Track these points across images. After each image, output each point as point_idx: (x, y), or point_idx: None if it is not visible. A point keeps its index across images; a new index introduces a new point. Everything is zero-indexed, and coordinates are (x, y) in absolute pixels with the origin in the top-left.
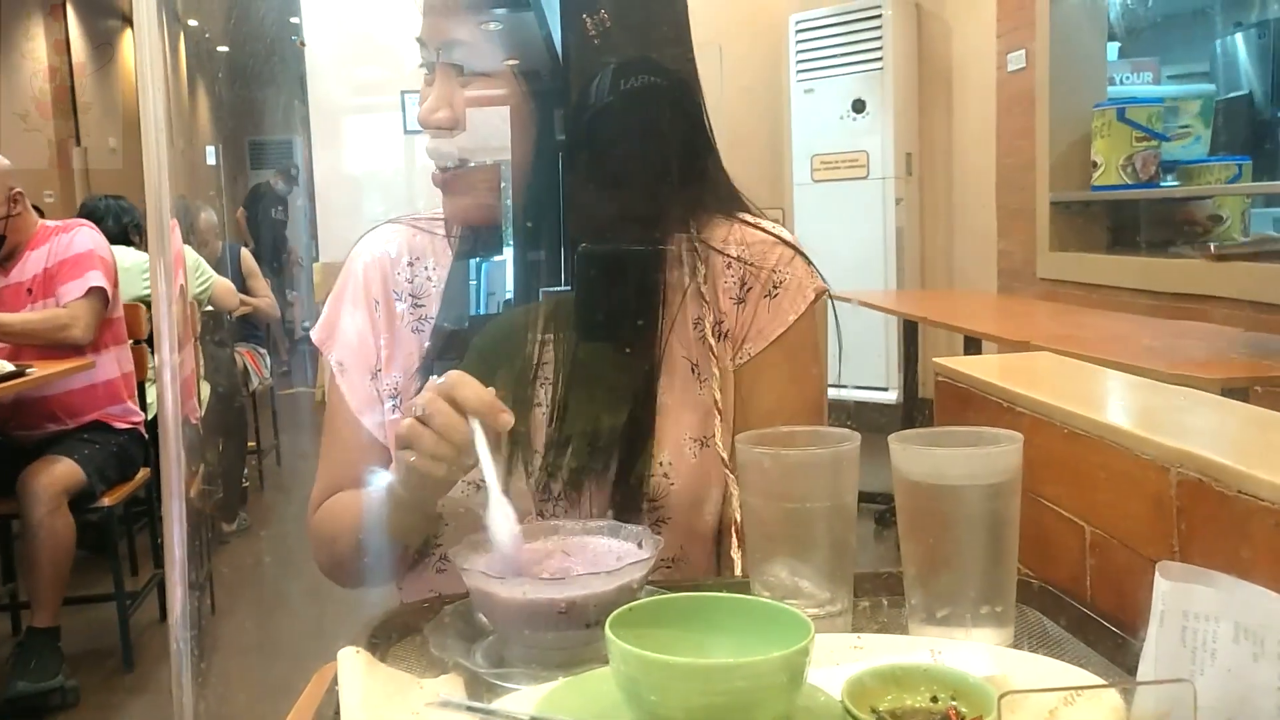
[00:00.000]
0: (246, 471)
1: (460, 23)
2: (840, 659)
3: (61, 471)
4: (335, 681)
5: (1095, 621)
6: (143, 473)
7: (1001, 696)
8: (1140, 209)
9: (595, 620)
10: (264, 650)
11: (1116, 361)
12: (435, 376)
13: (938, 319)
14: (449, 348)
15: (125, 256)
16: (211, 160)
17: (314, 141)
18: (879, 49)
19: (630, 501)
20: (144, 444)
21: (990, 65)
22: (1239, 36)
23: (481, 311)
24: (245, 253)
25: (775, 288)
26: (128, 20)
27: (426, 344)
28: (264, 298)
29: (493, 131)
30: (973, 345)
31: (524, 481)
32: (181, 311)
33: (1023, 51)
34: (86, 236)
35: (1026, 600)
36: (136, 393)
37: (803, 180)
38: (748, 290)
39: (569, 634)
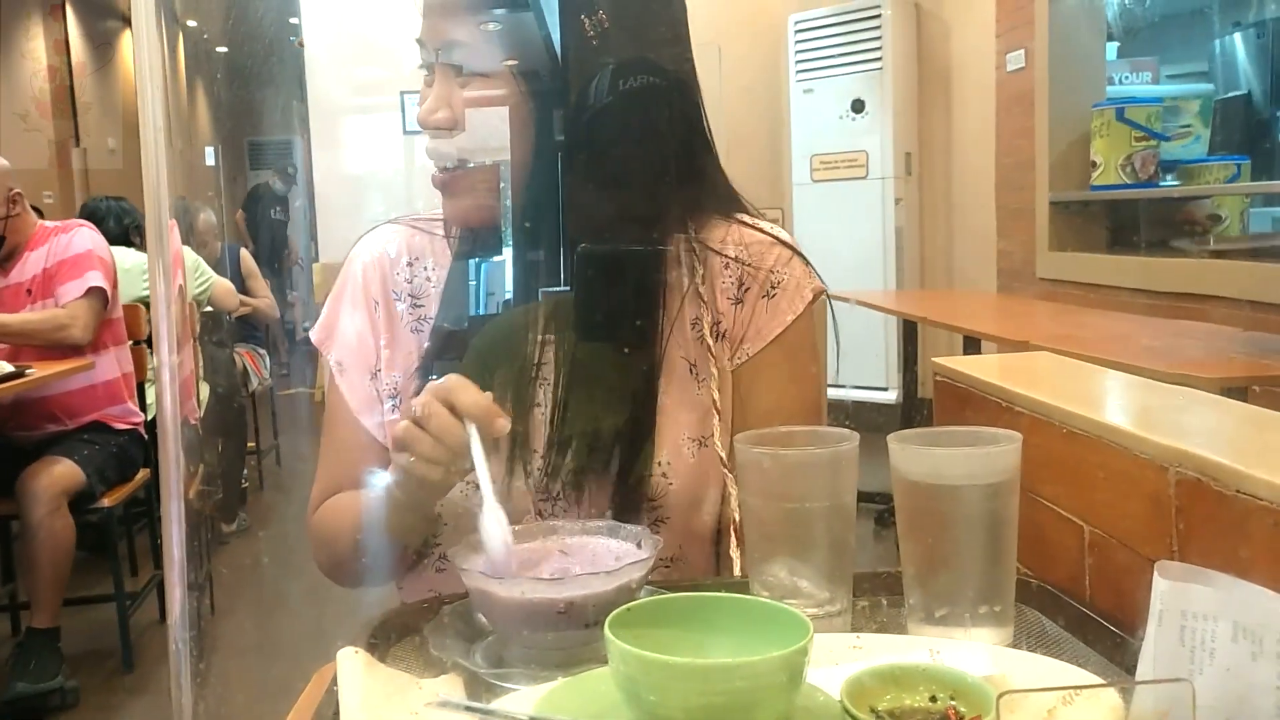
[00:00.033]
0: (246, 472)
1: (459, 23)
2: (839, 659)
3: (61, 472)
4: (334, 682)
5: (1094, 621)
6: (142, 473)
7: (1000, 696)
8: (1139, 209)
9: (594, 620)
10: (263, 651)
11: (1115, 361)
12: (434, 376)
13: (937, 319)
14: (448, 348)
15: (126, 257)
16: (211, 161)
17: (313, 142)
18: (878, 49)
19: (629, 502)
20: (144, 445)
21: (989, 65)
22: (1237, 36)
23: (480, 312)
24: (245, 253)
25: (773, 288)
26: (127, 20)
27: (426, 344)
28: (263, 298)
29: (492, 132)
30: (972, 345)
31: (523, 481)
32: (180, 312)
33: (1022, 51)
34: (85, 237)
35: (1025, 600)
36: (136, 393)
37: (802, 180)
38: (745, 290)
39: (568, 634)
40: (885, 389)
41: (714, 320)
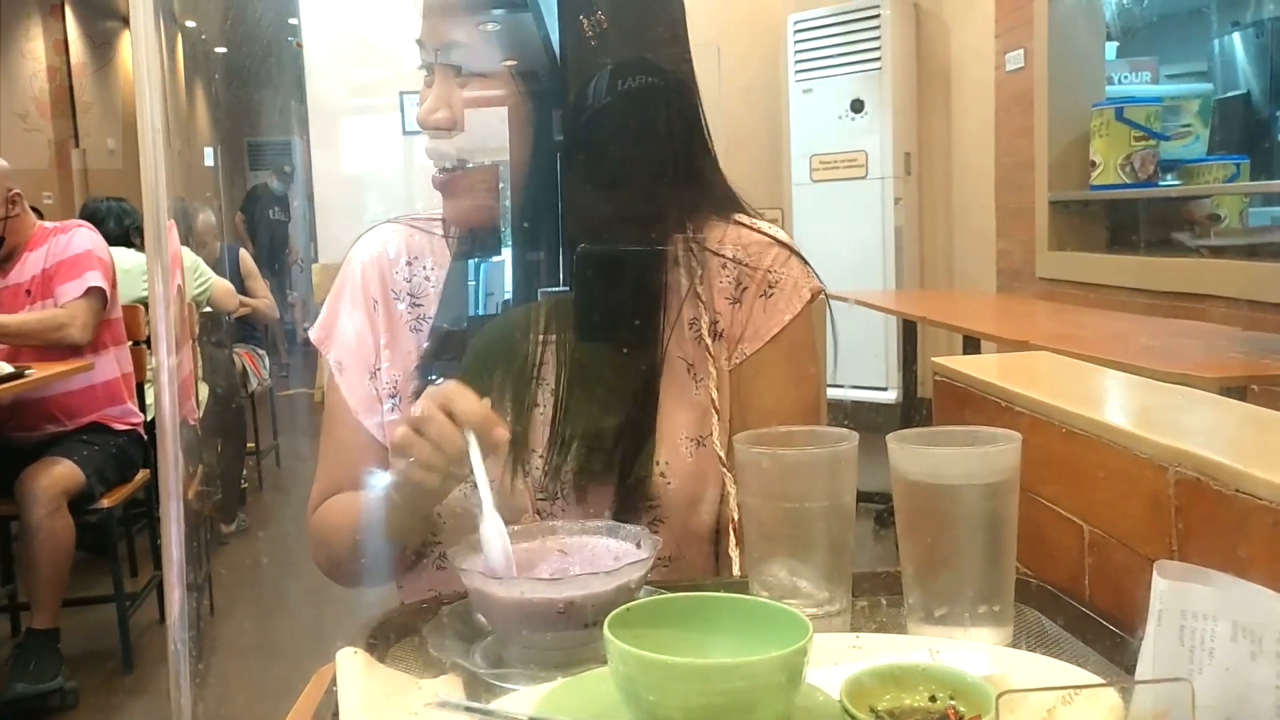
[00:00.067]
0: (245, 473)
1: (458, 24)
2: (839, 658)
3: (61, 473)
4: (334, 682)
5: (1093, 620)
6: (142, 474)
7: (1000, 696)
8: (1139, 208)
9: (593, 620)
10: (263, 651)
11: (1115, 361)
12: (434, 376)
13: (936, 319)
14: (447, 347)
15: (126, 258)
16: (210, 161)
17: (312, 142)
18: (877, 49)
19: (629, 502)
20: (143, 445)
21: (989, 65)
22: (1236, 36)
23: (479, 311)
24: (244, 254)
25: (771, 287)
26: (126, 21)
27: (425, 344)
28: (262, 299)
29: (491, 132)
30: (971, 345)
31: (522, 481)
32: (179, 312)
33: (1021, 51)
34: (84, 237)
35: (1025, 599)
36: (136, 394)
37: (801, 180)
38: (743, 290)
39: (567, 634)
40: (885, 389)
41: (711, 320)
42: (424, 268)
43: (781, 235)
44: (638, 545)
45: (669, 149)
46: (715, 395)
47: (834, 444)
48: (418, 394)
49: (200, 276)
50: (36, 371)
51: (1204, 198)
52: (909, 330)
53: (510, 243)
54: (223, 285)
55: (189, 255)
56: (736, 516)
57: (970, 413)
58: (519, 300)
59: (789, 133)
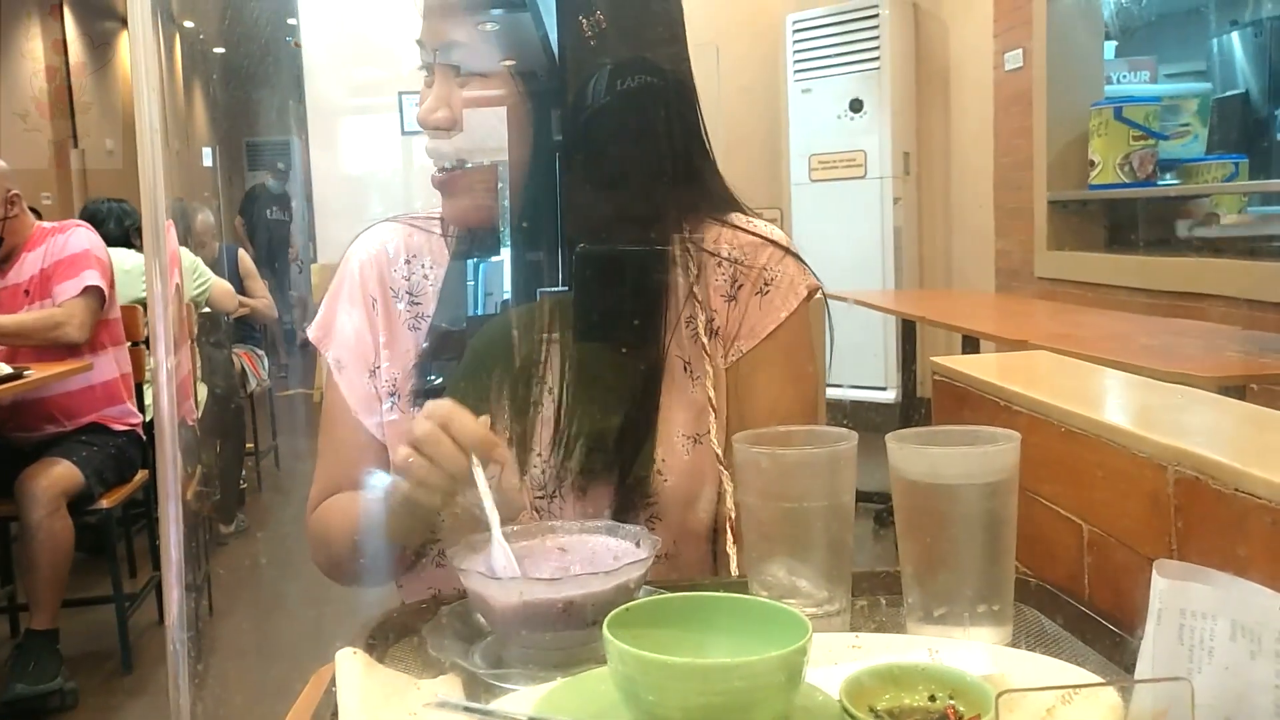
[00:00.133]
0: (244, 473)
1: (458, 24)
2: (838, 658)
3: (60, 474)
4: (333, 683)
5: (1093, 620)
6: (141, 474)
7: (999, 695)
8: (1138, 208)
9: (593, 620)
10: (262, 652)
11: (1114, 360)
12: (432, 375)
13: (936, 318)
14: (446, 346)
15: (126, 259)
16: (208, 161)
17: (311, 142)
18: (876, 49)
19: (627, 500)
20: (142, 446)
21: (987, 64)
22: (1235, 35)
23: (478, 311)
24: (242, 254)
25: (767, 285)
26: (125, 21)
27: (424, 342)
28: (261, 299)
29: (490, 132)
30: (970, 344)
31: (517, 479)
32: (177, 313)
33: (1020, 51)
34: (82, 237)
35: (1024, 599)
36: (135, 394)
37: (800, 180)
38: (739, 288)
39: (567, 634)
40: (884, 388)
41: (708, 318)
42: (422, 266)
43: (778, 234)
44: (637, 544)
45: (667, 149)
46: (712, 393)
47: (833, 444)
48: (416, 393)
49: (199, 277)
50: (35, 372)
51: (1203, 197)
52: (908, 330)
53: (509, 242)
54: (222, 286)
55: (188, 256)
56: (733, 514)
57: (969, 412)
58: (517, 299)
59: (788, 132)
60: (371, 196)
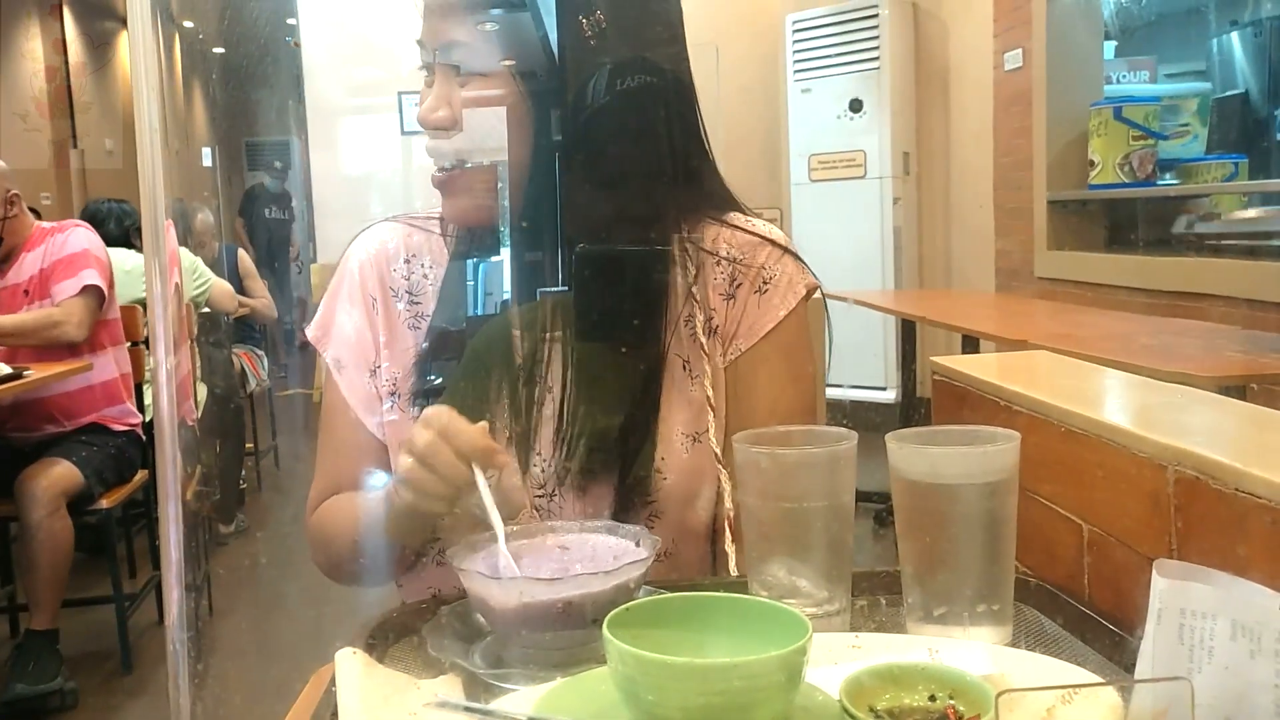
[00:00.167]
0: (244, 473)
1: (458, 24)
2: (838, 658)
3: (60, 474)
4: (333, 683)
5: (1093, 620)
6: (141, 475)
7: (999, 695)
8: (1137, 207)
9: (593, 620)
10: (262, 652)
11: (1114, 360)
12: (432, 375)
13: (935, 318)
14: (445, 346)
15: (126, 259)
16: (208, 161)
17: (310, 143)
18: (876, 48)
19: (628, 500)
20: (142, 446)
21: (987, 64)
22: (1235, 35)
23: (478, 310)
24: (242, 254)
25: (765, 284)
26: (125, 21)
27: (423, 342)
28: (261, 299)
29: (490, 131)
30: (970, 344)
31: (518, 478)
32: (177, 313)
33: (1019, 51)
34: (81, 236)
35: (1024, 598)
36: (134, 395)
37: (800, 180)
38: (737, 286)
39: (567, 634)
40: (884, 388)
41: (706, 317)
42: (422, 265)
43: (777, 234)
44: (637, 544)
45: (667, 149)
46: (710, 392)
47: (833, 443)
48: (416, 392)
49: (199, 277)
50: (35, 372)
51: (1202, 197)
52: (908, 330)
53: (508, 242)
54: (222, 286)
55: (188, 256)
56: (731, 513)
57: (969, 412)
58: (517, 299)
59: (787, 132)
60: (371, 196)
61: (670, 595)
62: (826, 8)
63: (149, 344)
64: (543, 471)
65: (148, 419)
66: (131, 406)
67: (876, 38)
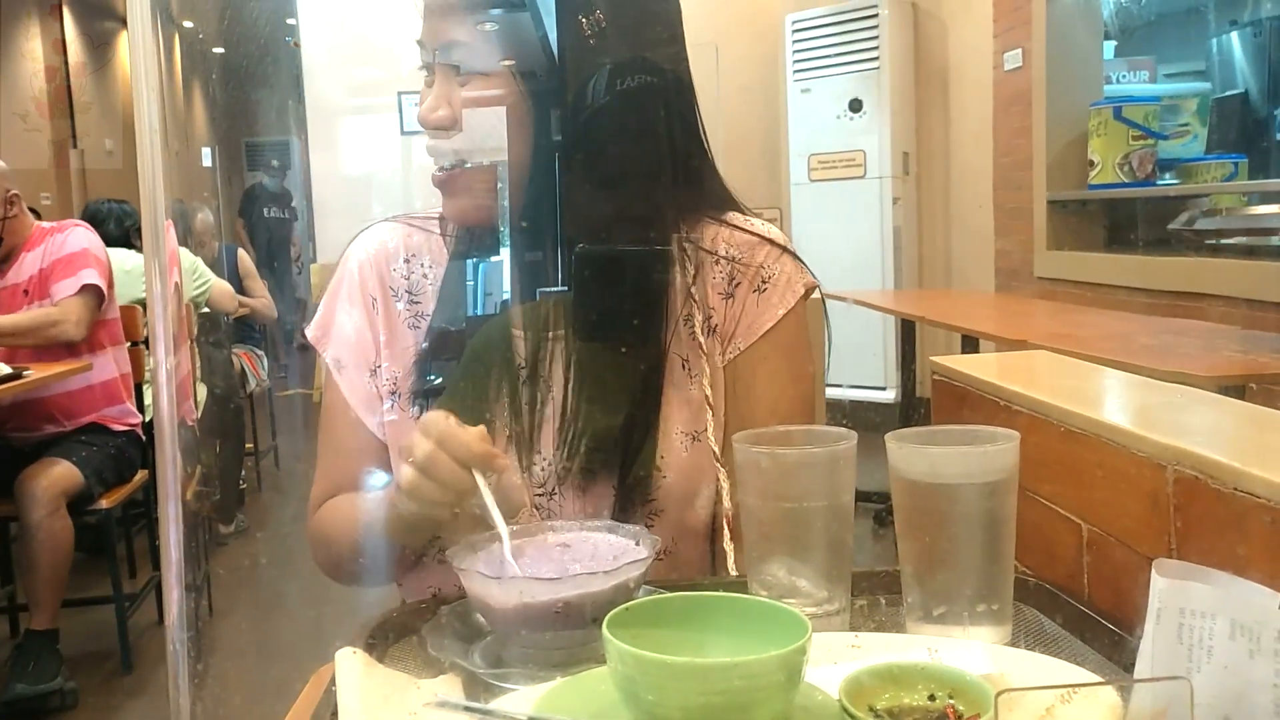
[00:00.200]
0: (244, 473)
1: (458, 24)
2: (838, 658)
3: (59, 474)
4: (333, 682)
5: (1092, 619)
6: (140, 475)
7: (999, 694)
8: (1137, 207)
9: (592, 620)
10: (262, 652)
11: (1113, 360)
12: (432, 375)
13: (935, 318)
14: (445, 346)
15: (126, 259)
16: (207, 162)
17: (310, 143)
18: (875, 48)
19: (629, 498)
20: (142, 446)
21: (987, 64)
22: (1234, 35)
23: (477, 310)
24: (242, 254)
25: (764, 283)
26: (124, 21)
27: (423, 341)
28: (261, 299)
29: (490, 131)
30: (970, 344)
31: (518, 477)
32: (177, 313)
33: (1019, 51)
34: (81, 236)
35: (1023, 598)
36: (134, 395)
37: (800, 180)
38: (736, 285)
39: (566, 634)
40: (883, 388)
41: (705, 316)
42: (421, 265)
43: (776, 233)
44: (637, 543)
45: (666, 149)
46: (709, 391)
47: (833, 443)
48: (416, 392)
49: (199, 278)
50: (35, 372)
51: (1202, 197)
52: (907, 330)
53: (508, 241)
54: (222, 287)
55: (188, 256)
56: (730, 512)
57: (969, 412)
58: (517, 298)
59: (787, 132)
60: (371, 196)
61: (670, 595)
62: (826, 8)
63: (149, 344)
64: (543, 470)
65: (148, 419)
66: (131, 406)
67: (876, 38)
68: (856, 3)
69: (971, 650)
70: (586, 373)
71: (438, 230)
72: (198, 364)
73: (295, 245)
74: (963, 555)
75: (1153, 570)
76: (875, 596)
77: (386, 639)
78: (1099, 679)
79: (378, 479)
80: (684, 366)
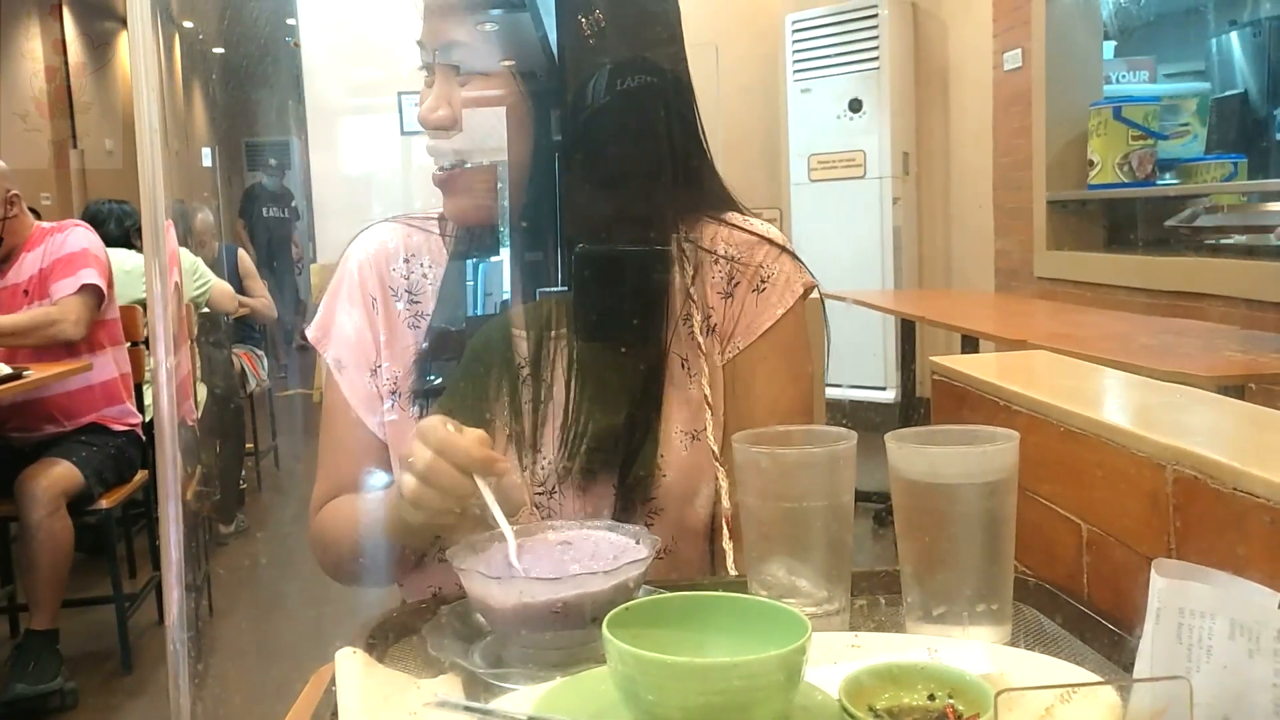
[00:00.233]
0: (244, 473)
1: (458, 24)
2: (838, 657)
3: (59, 474)
4: (333, 682)
5: (1092, 619)
6: (140, 475)
7: (998, 694)
8: (1137, 207)
9: (592, 619)
10: (262, 652)
11: (1113, 360)
12: (431, 375)
13: (935, 318)
14: (444, 345)
15: (127, 260)
16: (207, 162)
17: (310, 143)
18: (875, 48)
19: (629, 499)
20: (142, 446)
21: (986, 64)
22: (1234, 35)
23: (477, 310)
24: (242, 254)
25: (763, 283)
26: (124, 21)
27: (423, 341)
28: (261, 299)
29: (490, 131)
30: (970, 344)
31: (517, 476)
32: (177, 313)
33: (1019, 51)
34: (80, 236)
35: (1023, 598)
36: (134, 395)
37: (800, 180)
38: (735, 285)
39: (566, 634)
40: (883, 388)
41: (704, 316)
42: (421, 265)
43: (774, 233)
44: (637, 543)
45: (666, 149)
46: (708, 391)
47: (832, 443)
48: (416, 392)
49: (199, 278)
50: (35, 372)
51: (1202, 196)
52: (907, 330)
53: (508, 241)
54: (222, 287)
55: (188, 256)
56: (729, 511)
57: (968, 412)
58: (516, 298)
59: (787, 132)
60: (371, 196)
61: (670, 595)
62: (826, 8)
63: (149, 344)
64: (543, 470)
65: (148, 419)
66: (131, 406)
67: (876, 38)
68: (856, 3)
69: (971, 650)
70: (586, 372)
71: (437, 230)
72: (198, 364)
73: (297, 246)
74: (962, 555)
75: (1152, 570)
76: (875, 596)
77: (386, 639)
78: (1098, 679)
79: (378, 479)
80: (683, 366)
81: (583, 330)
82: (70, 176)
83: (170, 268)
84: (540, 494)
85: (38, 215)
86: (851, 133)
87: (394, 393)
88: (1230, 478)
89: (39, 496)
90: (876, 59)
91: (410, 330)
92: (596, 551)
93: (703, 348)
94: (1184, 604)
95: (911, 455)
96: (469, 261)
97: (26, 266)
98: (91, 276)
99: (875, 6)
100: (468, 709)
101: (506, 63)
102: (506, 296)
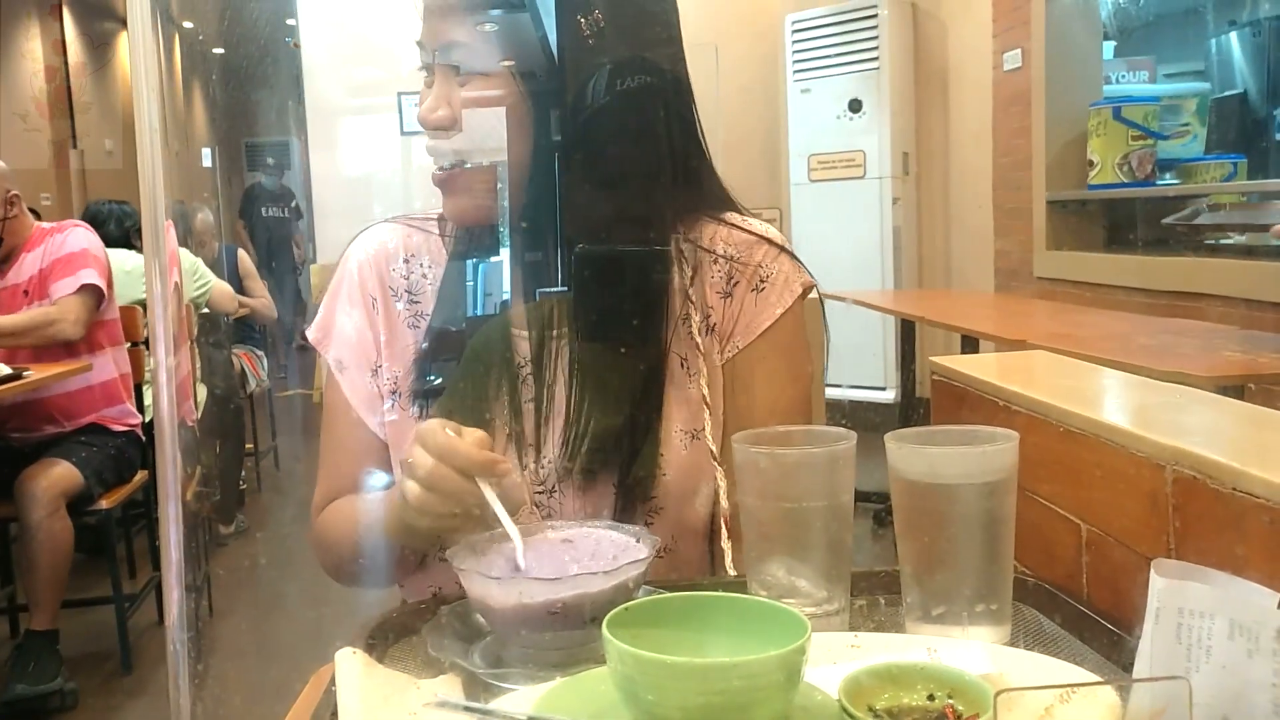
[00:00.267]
0: (244, 474)
1: (458, 24)
2: (837, 658)
3: (59, 474)
4: (333, 683)
5: (1091, 619)
6: (140, 475)
7: (998, 694)
8: (1136, 207)
9: (592, 620)
10: (262, 652)
11: (1112, 360)
12: (431, 375)
13: (935, 318)
14: (444, 345)
15: (127, 260)
16: (207, 162)
17: (310, 143)
18: (875, 49)
19: (629, 498)
20: (141, 446)
21: (986, 64)
22: (1233, 35)
23: (477, 310)
24: (242, 254)
25: (762, 282)
26: (124, 21)
27: (422, 341)
28: (260, 299)
29: (490, 132)
30: (969, 344)
31: (518, 475)
32: (177, 313)
33: (1018, 51)
34: (80, 236)
35: (1023, 598)
36: (134, 395)
37: (799, 180)
38: (734, 285)
39: (566, 634)
40: (883, 388)
41: (704, 315)
42: (421, 265)
43: (773, 233)
44: (637, 541)
45: (665, 148)
46: (706, 390)
47: (832, 443)
48: (417, 392)
49: (200, 278)
50: (35, 372)
51: (1201, 196)
52: (907, 330)
53: (508, 241)
54: (222, 288)
55: (188, 257)
56: (728, 511)
57: (968, 412)
58: (516, 298)
59: (787, 132)
60: (371, 197)
61: (670, 595)
62: (826, 8)
63: (149, 344)
64: (543, 469)
65: (148, 419)
66: (131, 407)
67: (876, 38)
68: (856, 3)
69: (971, 650)
70: (586, 372)
71: (437, 230)
72: (198, 364)
73: (298, 246)
74: (962, 555)
75: (1151, 570)
76: (875, 596)
77: (386, 639)
78: (1098, 679)
79: (379, 479)
80: (683, 365)
81: (582, 330)
82: (70, 177)
83: (170, 268)
84: (540, 493)
85: (38, 215)
86: (851, 133)
87: (394, 393)
88: (1229, 478)
89: (39, 497)
90: (876, 59)
91: (410, 330)
92: (598, 550)
93: (702, 347)
94: (1183, 604)
95: (911, 455)
96: (469, 261)
97: (26, 267)
98: (91, 277)
99: (875, 6)
100: (468, 709)
101: (506, 63)
102: (506, 296)
